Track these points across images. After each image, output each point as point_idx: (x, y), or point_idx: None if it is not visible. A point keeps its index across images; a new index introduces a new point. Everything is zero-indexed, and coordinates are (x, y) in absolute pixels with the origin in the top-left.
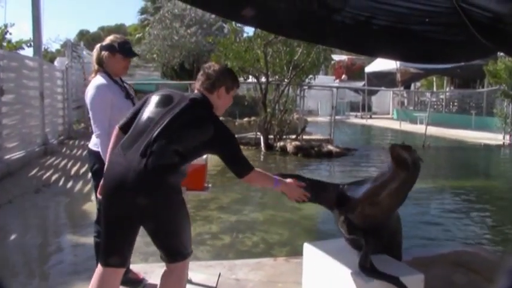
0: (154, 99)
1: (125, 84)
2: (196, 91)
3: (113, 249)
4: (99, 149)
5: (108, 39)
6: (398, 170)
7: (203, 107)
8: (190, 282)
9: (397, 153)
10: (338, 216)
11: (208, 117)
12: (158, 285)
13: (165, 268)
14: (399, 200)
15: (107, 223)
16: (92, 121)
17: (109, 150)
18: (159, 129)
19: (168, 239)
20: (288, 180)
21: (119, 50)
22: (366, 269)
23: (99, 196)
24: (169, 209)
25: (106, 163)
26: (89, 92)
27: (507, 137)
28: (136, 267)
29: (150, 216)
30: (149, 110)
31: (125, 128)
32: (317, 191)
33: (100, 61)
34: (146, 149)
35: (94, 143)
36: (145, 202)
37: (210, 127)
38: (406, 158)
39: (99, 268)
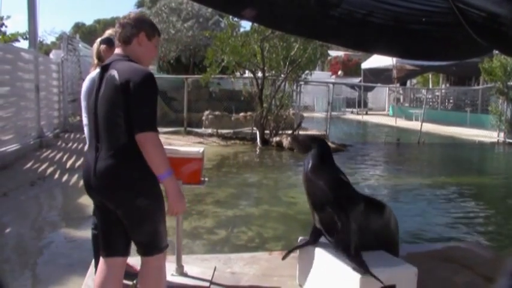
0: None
1: None
2: (114, 52)
3: (106, 239)
4: None
5: (106, 33)
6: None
7: (111, 68)
8: (186, 275)
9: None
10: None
11: (114, 75)
12: (138, 283)
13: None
14: (321, 183)
15: (97, 214)
16: (82, 111)
17: None
18: (94, 116)
19: (138, 230)
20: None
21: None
22: (349, 254)
23: None
24: (135, 197)
25: None
26: (84, 83)
27: (501, 134)
28: (132, 260)
29: (117, 207)
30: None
31: None
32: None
33: (99, 55)
34: (97, 143)
35: None
36: (109, 194)
37: (116, 83)
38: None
39: (101, 259)
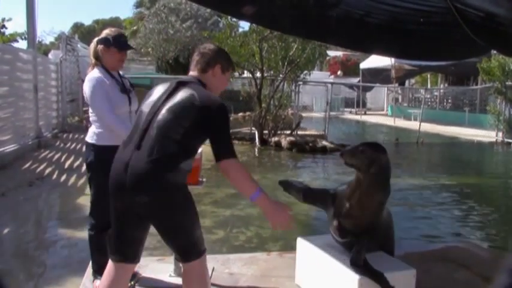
0: (151, 92)
1: (122, 79)
2: (189, 74)
3: (119, 244)
4: (95, 141)
5: (103, 33)
6: (363, 171)
7: (190, 87)
8: None
9: (348, 161)
10: (331, 221)
11: (193, 94)
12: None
13: (182, 268)
14: (378, 197)
15: (114, 218)
16: (94, 111)
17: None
18: (149, 119)
19: (175, 238)
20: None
21: (113, 43)
22: (358, 266)
23: None
24: (171, 206)
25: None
26: (87, 84)
27: (500, 134)
28: None
29: (151, 214)
30: (144, 104)
31: None
32: (311, 196)
33: (96, 55)
34: (140, 142)
35: (90, 136)
36: (143, 200)
37: (195, 104)
38: (358, 162)
39: (109, 263)
